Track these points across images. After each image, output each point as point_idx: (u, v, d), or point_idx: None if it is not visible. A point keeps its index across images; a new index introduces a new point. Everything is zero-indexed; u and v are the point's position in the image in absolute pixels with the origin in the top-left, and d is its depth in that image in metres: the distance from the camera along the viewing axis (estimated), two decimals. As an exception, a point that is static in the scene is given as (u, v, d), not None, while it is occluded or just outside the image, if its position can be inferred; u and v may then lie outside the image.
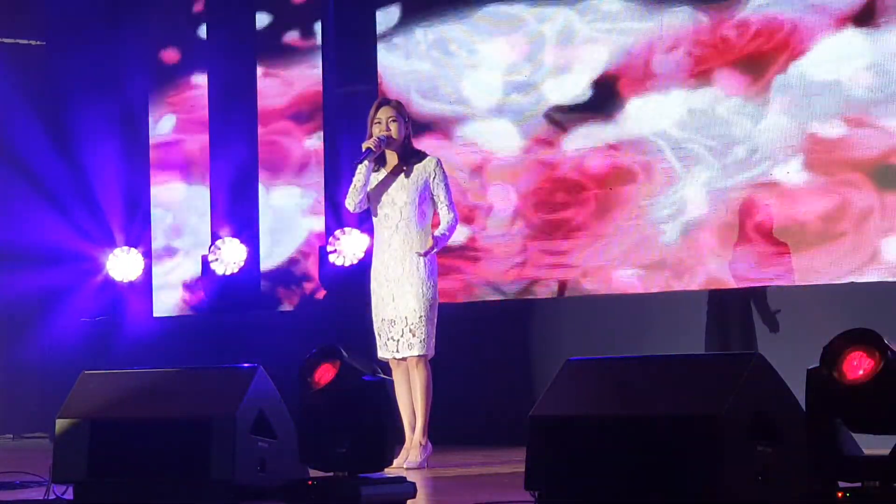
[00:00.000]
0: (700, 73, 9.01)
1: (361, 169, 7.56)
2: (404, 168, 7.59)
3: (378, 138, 7.53)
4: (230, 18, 11.09)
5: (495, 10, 9.84)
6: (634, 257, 9.22)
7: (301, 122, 10.92)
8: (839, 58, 8.51)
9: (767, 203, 8.74)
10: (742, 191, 8.82)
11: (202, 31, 11.36)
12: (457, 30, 10.01)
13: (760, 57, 8.78)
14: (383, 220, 7.61)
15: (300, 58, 10.91)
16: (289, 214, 10.91)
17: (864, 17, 8.46)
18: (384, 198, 7.59)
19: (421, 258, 7.51)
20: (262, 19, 11.10)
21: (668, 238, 9.09)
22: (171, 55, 11.60)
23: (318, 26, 10.76)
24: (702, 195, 8.96)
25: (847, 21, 8.52)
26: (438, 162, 7.63)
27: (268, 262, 10.91)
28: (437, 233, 7.55)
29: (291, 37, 11.00)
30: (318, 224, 10.68)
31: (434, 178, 7.57)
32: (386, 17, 10.30)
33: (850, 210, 8.48)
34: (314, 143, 10.78)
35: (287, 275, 10.90)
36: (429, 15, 10.13)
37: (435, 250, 7.56)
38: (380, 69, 10.29)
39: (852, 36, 8.49)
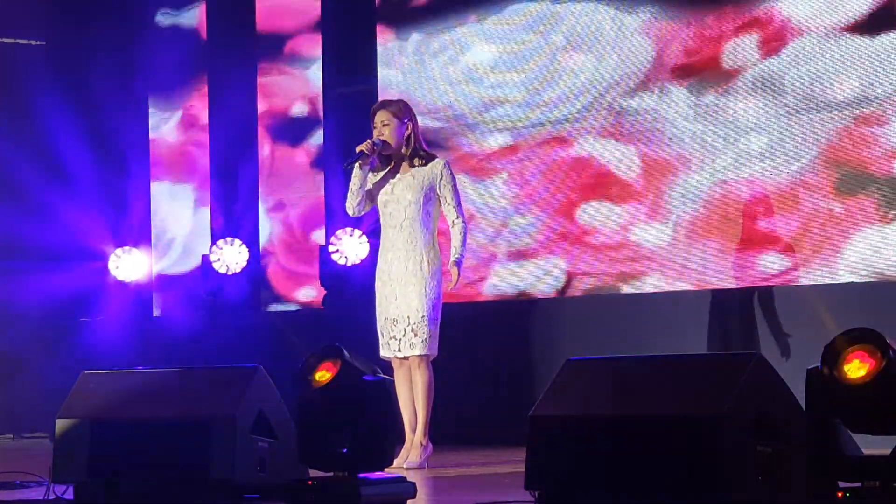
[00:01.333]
0: (699, 69, 9.01)
1: (357, 171, 7.57)
2: (410, 168, 7.59)
3: (372, 142, 7.54)
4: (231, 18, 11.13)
5: (508, 10, 9.84)
6: (635, 256, 9.22)
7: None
8: (842, 56, 8.51)
9: (768, 201, 8.74)
10: (742, 189, 8.82)
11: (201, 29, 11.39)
12: (459, 33, 10.04)
13: (768, 53, 8.79)
14: (388, 219, 7.61)
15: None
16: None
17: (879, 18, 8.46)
18: (389, 197, 7.59)
19: (425, 257, 7.50)
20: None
21: (668, 236, 9.08)
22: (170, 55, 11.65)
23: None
24: (701, 193, 8.96)
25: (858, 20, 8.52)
26: (447, 164, 7.63)
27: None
28: (454, 257, 7.53)
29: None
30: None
31: (441, 179, 7.56)
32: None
33: (852, 209, 8.47)
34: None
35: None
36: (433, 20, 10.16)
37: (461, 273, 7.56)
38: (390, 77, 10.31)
39: (858, 36, 8.49)
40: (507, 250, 9.74)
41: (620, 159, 9.31)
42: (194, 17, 11.56)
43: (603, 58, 9.40)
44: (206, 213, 11.33)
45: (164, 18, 11.70)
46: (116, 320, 11.10)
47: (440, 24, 10.11)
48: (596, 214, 9.38)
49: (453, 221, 7.55)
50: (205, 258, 10.81)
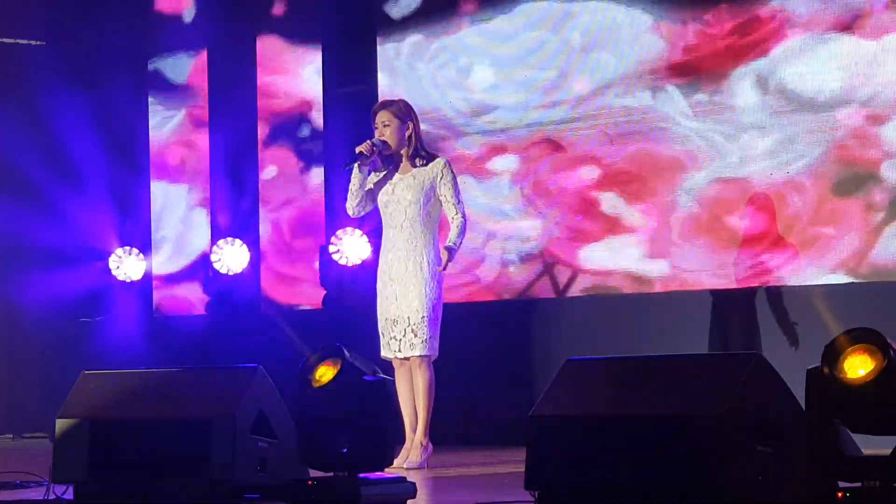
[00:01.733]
0: (698, 68, 9.00)
1: (356, 172, 7.57)
2: (411, 168, 7.59)
3: (371, 143, 7.54)
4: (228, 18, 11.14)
5: (513, 10, 9.84)
6: (635, 256, 9.22)
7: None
8: (842, 55, 8.52)
9: (768, 201, 8.73)
10: (742, 189, 8.82)
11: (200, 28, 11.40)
12: (462, 35, 10.04)
13: (767, 51, 8.79)
14: (388, 220, 7.62)
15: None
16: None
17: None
18: (390, 197, 7.59)
19: (425, 258, 7.50)
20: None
21: (668, 236, 9.08)
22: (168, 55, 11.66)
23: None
24: (702, 193, 8.96)
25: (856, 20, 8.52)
26: (447, 163, 7.62)
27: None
28: (448, 243, 7.51)
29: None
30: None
31: (441, 178, 7.55)
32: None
33: (852, 209, 8.47)
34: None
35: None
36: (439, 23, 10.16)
37: (452, 262, 7.53)
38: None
39: (856, 37, 8.50)
40: (507, 250, 9.73)
41: (621, 158, 9.30)
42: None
43: (602, 58, 9.39)
44: (200, 213, 11.33)
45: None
46: (117, 320, 11.10)
47: (439, 26, 10.10)
48: (596, 214, 9.38)
49: (452, 218, 7.53)
50: (205, 258, 10.81)
